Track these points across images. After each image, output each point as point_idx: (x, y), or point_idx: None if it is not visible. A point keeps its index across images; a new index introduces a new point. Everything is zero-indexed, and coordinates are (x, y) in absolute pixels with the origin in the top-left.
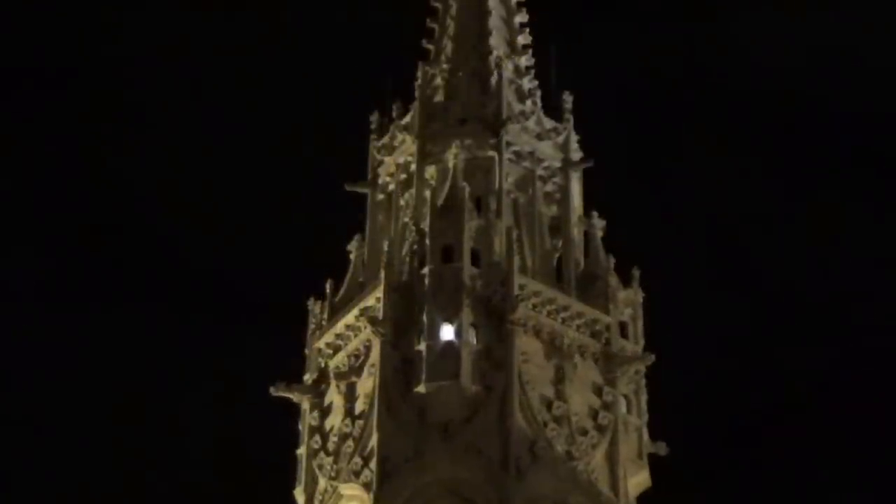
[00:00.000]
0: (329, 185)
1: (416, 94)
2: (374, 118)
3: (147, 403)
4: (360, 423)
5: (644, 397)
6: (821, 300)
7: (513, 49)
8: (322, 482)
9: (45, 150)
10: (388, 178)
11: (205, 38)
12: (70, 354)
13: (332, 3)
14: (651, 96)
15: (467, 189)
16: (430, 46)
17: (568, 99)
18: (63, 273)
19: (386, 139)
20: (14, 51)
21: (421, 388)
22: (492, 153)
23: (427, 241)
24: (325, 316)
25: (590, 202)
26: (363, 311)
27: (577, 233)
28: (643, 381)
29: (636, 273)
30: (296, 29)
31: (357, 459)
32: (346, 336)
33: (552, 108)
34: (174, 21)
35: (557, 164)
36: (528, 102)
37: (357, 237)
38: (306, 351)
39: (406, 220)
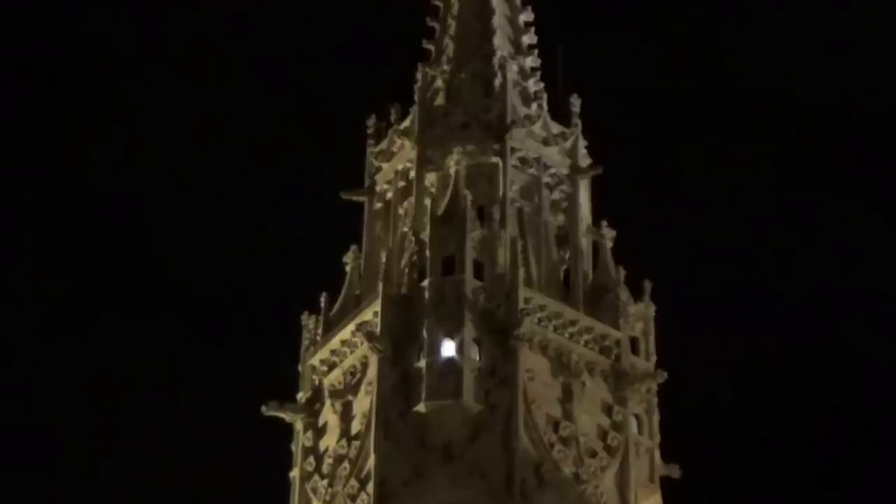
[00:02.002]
0: (324, 194)
1: (416, 96)
2: (372, 122)
3: (134, 422)
4: (356, 444)
5: (656, 417)
6: (841, 314)
7: (518, 49)
8: None
9: (35, 161)
10: (385, 186)
11: (198, 39)
12: (58, 368)
13: (327, 1)
14: (663, 99)
15: (469, 197)
16: (431, 46)
17: (576, 102)
18: (52, 285)
19: (384, 145)
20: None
21: (421, 408)
22: (495, 159)
23: (427, 253)
24: (320, 331)
25: (599, 211)
26: (360, 326)
27: (585, 243)
28: (655, 400)
29: (648, 286)
30: (289, 28)
31: (353, 482)
32: (342, 352)
33: (559, 112)
34: (168, 22)
35: (565, 171)
36: (534, 106)
37: (353, 248)
38: (300, 368)
39: (405, 229)
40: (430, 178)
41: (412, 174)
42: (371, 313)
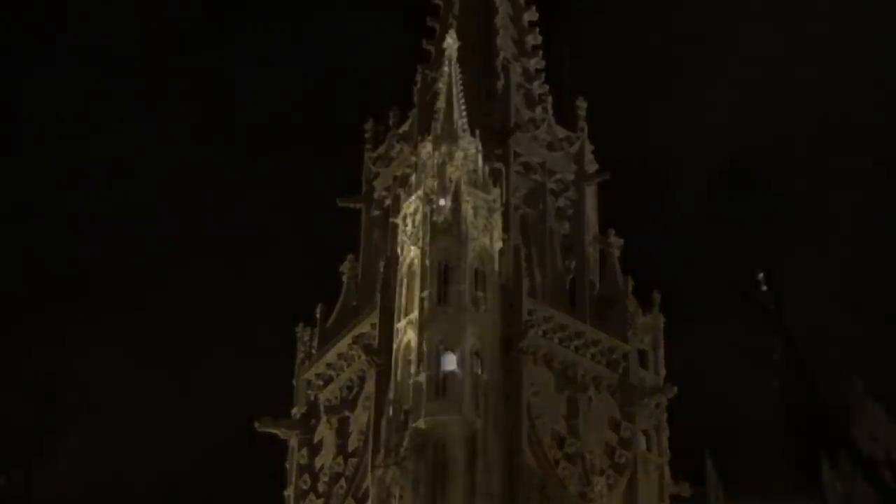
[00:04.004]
0: (319, 200)
1: (415, 99)
2: (369, 126)
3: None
4: (353, 461)
5: (665, 433)
6: (852, 325)
7: (521, 50)
8: None
9: (27, 163)
10: (384, 193)
11: (195, 41)
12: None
13: (325, 2)
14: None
15: (471, 204)
16: (431, 47)
17: (582, 105)
18: (40, 292)
19: (382, 149)
20: None
21: (420, 423)
22: (498, 164)
23: (427, 261)
24: (315, 344)
25: (606, 219)
26: (357, 339)
27: (592, 252)
28: (665, 416)
29: (657, 297)
30: (284, 27)
31: (350, 501)
32: (338, 366)
33: (565, 116)
34: (165, 23)
35: (570, 177)
36: (539, 109)
37: (350, 257)
38: (294, 382)
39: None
40: (430, 184)
41: (411, 180)
42: (368, 325)
